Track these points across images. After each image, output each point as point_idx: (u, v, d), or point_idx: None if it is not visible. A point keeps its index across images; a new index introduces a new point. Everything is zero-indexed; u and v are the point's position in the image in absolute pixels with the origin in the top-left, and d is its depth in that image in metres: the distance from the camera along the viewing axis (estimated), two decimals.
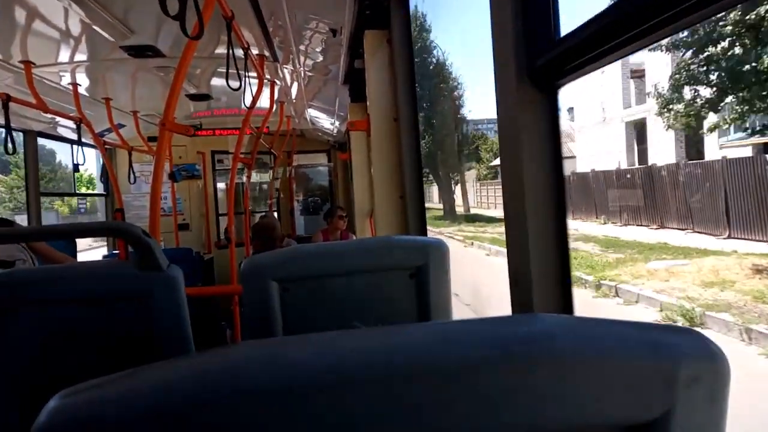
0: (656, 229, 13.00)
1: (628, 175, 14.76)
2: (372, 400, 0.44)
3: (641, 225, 13.65)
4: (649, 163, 14.75)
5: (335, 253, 1.57)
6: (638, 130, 17.74)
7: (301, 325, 1.50)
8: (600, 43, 0.92)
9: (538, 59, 1.09)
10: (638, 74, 17.58)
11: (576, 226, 14.55)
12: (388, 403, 0.44)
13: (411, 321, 1.54)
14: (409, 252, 1.54)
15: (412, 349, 0.46)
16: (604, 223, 15.08)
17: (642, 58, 16.31)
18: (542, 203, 1.14)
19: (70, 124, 4.72)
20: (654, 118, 14.35)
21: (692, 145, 14.90)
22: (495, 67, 1.23)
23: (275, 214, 8.04)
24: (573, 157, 19.75)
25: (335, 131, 7.26)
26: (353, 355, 0.46)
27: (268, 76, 4.11)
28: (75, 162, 5.01)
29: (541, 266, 1.14)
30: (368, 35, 2.80)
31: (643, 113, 16.95)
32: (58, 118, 4.63)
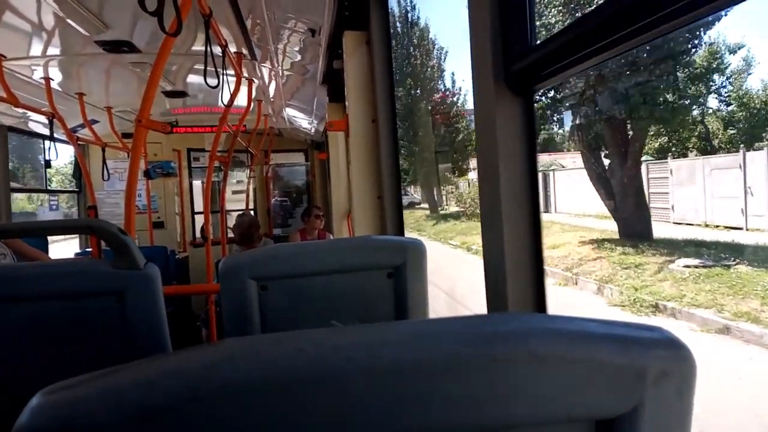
0: None
1: None
2: (353, 395, 0.45)
3: None
4: None
5: (314, 252, 1.57)
6: None
7: (278, 324, 1.50)
8: (575, 50, 0.94)
9: (514, 64, 1.11)
10: None
11: None
12: (369, 398, 0.45)
13: (389, 320, 1.56)
14: (387, 252, 1.55)
15: (392, 345, 0.48)
16: None
17: None
18: (517, 204, 1.17)
19: (42, 119, 4.62)
20: None
21: None
22: (473, 70, 1.26)
23: (252, 212, 7.97)
24: None
25: (313, 131, 7.24)
26: (335, 351, 0.47)
27: (245, 74, 4.08)
28: (47, 158, 4.90)
29: (516, 265, 1.16)
30: (347, 36, 2.80)
31: None
32: (29, 113, 4.53)
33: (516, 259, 1.16)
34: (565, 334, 0.50)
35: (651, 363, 0.48)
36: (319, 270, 1.52)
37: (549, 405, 0.48)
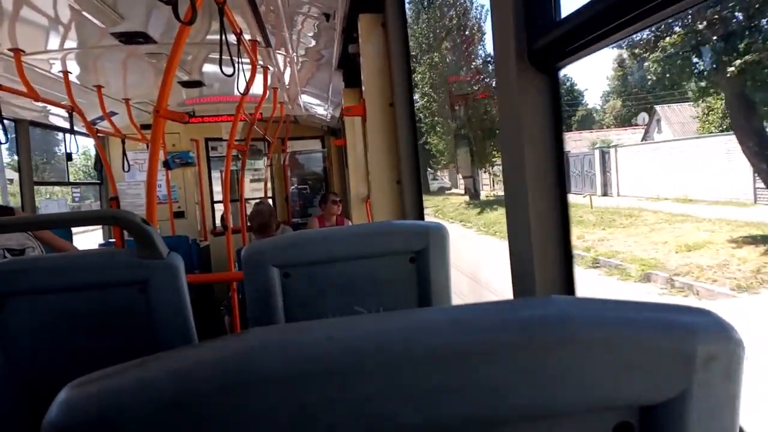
0: None
1: None
2: (387, 384, 0.44)
3: None
4: None
5: (336, 238, 1.57)
6: None
7: (302, 311, 1.51)
8: (601, 24, 0.91)
9: (538, 40, 1.08)
10: None
11: None
12: (403, 387, 0.44)
13: (412, 305, 1.55)
14: (410, 236, 1.54)
15: (427, 333, 0.46)
16: None
17: None
18: (543, 185, 1.14)
19: (62, 112, 4.67)
20: None
21: None
22: (494, 47, 1.23)
23: (270, 201, 8.02)
24: None
25: (329, 117, 7.22)
26: (368, 339, 0.46)
27: (260, 62, 4.07)
28: (68, 150, 4.96)
29: (543, 249, 1.14)
30: (362, 19, 2.77)
31: None
32: (49, 107, 4.58)
33: (543, 242, 1.14)
34: (608, 317, 0.48)
35: (699, 346, 0.46)
36: (342, 256, 1.52)
37: (591, 391, 0.46)
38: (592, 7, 0.92)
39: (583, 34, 0.96)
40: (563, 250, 1.14)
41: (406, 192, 2.72)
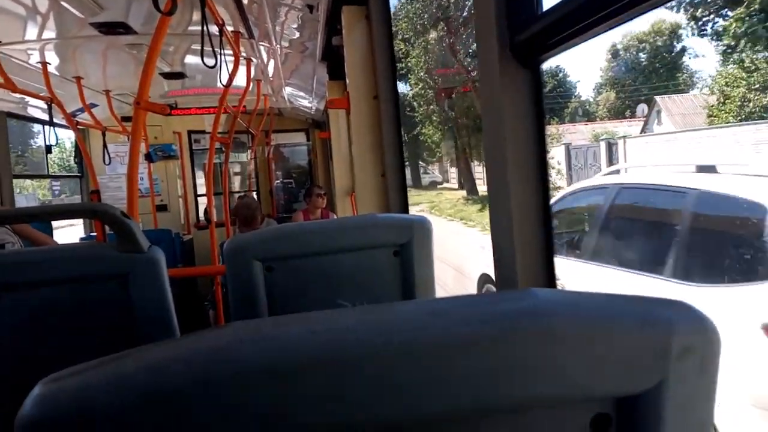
0: None
1: None
2: (368, 377, 0.44)
3: None
4: None
5: (319, 231, 1.56)
6: None
7: (285, 304, 1.50)
8: (583, 16, 0.91)
9: (520, 33, 1.08)
10: None
11: None
12: (382, 380, 0.44)
13: (395, 299, 1.55)
14: (393, 229, 1.54)
15: (405, 325, 0.46)
16: None
17: None
18: (525, 179, 1.14)
19: (41, 104, 4.58)
20: None
21: None
22: (477, 40, 1.22)
23: (254, 194, 7.97)
24: None
25: (314, 109, 7.18)
26: (348, 333, 0.45)
27: (243, 54, 4.03)
28: (47, 143, 4.87)
29: (525, 242, 1.15)
30: (346, 11, 2.75)
31: None
32: (28, 98, 4.49)
33: (525, 235, 1.14)
34: (584, 310, 0.48)
35: (674, 338, 0.47)
36: (325, 249, 1.51)
37: (568, 383, 0.47)
38: (574, 0, 0.92)
39: (565, 27, 0.96)
40: (545, 243, 1.15)
41: (390, 185, 2.72)
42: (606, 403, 0.49)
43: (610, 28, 0.91)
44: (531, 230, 1.15)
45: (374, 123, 2.76)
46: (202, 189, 7.66)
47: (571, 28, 0.94)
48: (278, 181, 8.33)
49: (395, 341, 0.45)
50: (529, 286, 1.15)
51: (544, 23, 1.02)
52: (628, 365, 0.47)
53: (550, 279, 1.15)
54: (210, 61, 2.64)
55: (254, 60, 4.40)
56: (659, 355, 0.47)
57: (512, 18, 1.11)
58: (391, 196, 2.71)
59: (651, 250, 3.66)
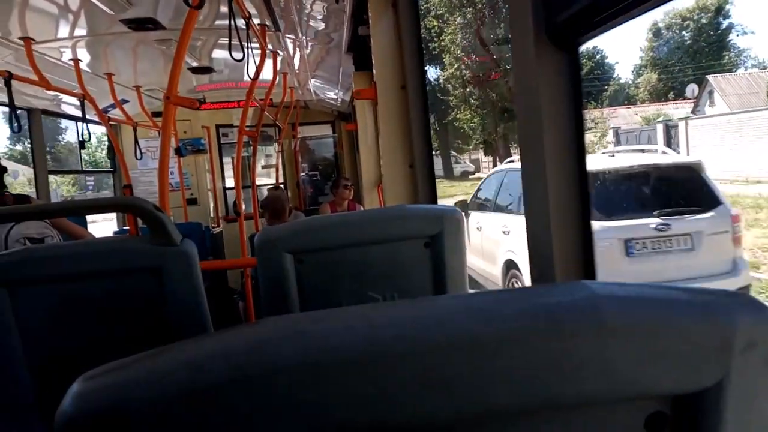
0: None
1: None
2: (407, 375, 0.42)
3: None
4: None
5: (349, 223, 1.55)
6: None
7: (316, 297, 1.50)
8: None
9: (558, 14, 1.04)
10: None
11: None
12: (424, 378, 0.42)
13: (426, 291, 1.53)
14: (424, 221, 1.52)
15: (447, 321, 0.44)
16: None
17: None
18: (562, 168, 1.10)
19: (74, 101, 4.68)
20: None
21: None
22: (511, 23, 1.18)
23: (282, 186, 8.02)
24: None
25: (339, 101, 7.18)
26: (386, 328, 0.44)
27: (270, 47, 4.04)
28: (80, 139, 4.98)
29: (562, 234, 1.11)
30: (372, 0, 2.72)
31: None
32: (61, 95, 4.59)
33: (562, 227, 1.11)
34: (640, 303, 0.45)
35: (737, 332, 0.44)
36: (356, 241, 1.50)
37: (621, 380, 0.44)
38: None
39: (607, 6, 0.92)
40: (583, 235, 1.11)
41: (419, 176, 2.69)
42: (662, 401, 0.46)
43: (655, 6, 0.86)
44: (568, 220, 1.11)
45: (402, 113, 2.73)
46: (230, 182, 7.75)
47: (613, 7, 0.90)
48: (304, 174, 8.36)
49: (435, 337, 0.43)
50: (566, 277, 1.11)
51: (583, 3, 0.97)
52: (686, 361, 0.44)
53: (589, 270, 1.12)
54: (237, 55, 2.64)
55: (280, 53, 4.41)
56: (721, 350, 0.44)
57: None
58: (420, 187, 2.68)
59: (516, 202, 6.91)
